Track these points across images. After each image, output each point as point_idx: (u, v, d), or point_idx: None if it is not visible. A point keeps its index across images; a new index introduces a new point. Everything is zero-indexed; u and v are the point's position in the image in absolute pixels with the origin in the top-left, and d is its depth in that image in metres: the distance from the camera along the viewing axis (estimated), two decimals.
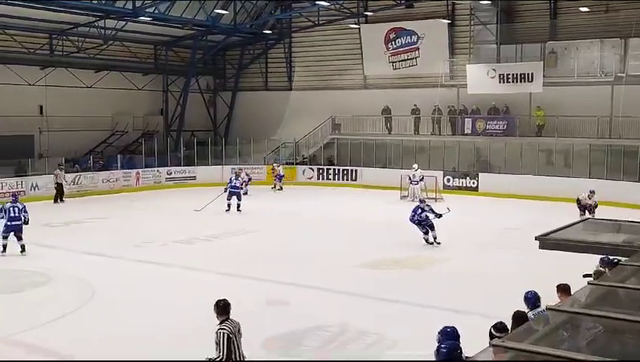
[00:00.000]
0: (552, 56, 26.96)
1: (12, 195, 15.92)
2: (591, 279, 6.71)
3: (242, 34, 33.90)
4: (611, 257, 7.56)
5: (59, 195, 25.14)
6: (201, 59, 34.95)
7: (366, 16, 31.86)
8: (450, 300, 11.60)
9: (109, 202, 25.25)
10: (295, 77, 35.31)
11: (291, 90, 35.24)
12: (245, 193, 25.01)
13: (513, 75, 27.07)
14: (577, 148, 26.02)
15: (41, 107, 29.66)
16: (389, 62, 31.82)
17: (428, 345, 6.28)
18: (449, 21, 30.03)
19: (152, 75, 34.09)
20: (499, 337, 4.94)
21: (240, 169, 26.75)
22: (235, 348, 6.97)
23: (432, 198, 25.24)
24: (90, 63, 30.83)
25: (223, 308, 7.21)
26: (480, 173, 27.87)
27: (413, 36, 31.06)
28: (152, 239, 17.60)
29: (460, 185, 28.12)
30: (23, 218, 15.38)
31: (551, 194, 24.59)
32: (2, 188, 24.58)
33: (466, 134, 28.88)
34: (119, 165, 29.20)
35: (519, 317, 6.68)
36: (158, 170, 30.13)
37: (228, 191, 22.74)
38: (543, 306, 6.89)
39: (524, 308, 7.27)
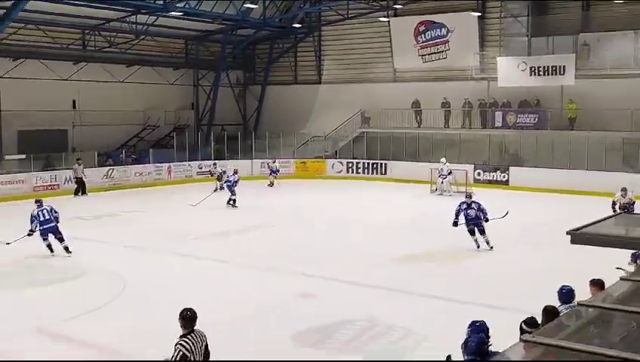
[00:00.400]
0: (585, 49, 26.59)
1: (36, 201, 15.42)
2: (623, 274, 6.64)
3: (272, 28, 33.99)
4: None
5: (80, 189, 25.43)
6: (231, 53, 35.14)
7: (395, 9, 31.73)
8: (480, 295, 11.56)
9: (142, 196, 25.56)
10: (324, 70, 35.31)
11: (320, 83, 35.26)
12: (222, 188, 24.42)
13: (544, 67, 26.77)
14: (610, 142, 25.60)
15: (74, 102, 30.11)
16: (419, 56, 31.67)
17: (457, 340, 6.28)
18: (479, 14, 29.76)
19: (182, 69, 34.38)
20: (529, 332, 4.93)
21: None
22: None
23: (462, 192, 25.11)
24: (122, 58, 31.20)
25: (188, 320, 6.58)
26: (510, 167, 27.63)
27: (442, 29, 30.86)
28: (184, 233, 17.79)
29: (491, 178, 27.91)
30: (55, 219, 14.99)
31: (583, 188, 24.29)
32: (37, 182, 25.06)
33: (497, 127, 28.63)
34: (151, 159, 29.51)
35: (550, 312, 6.64)
36: (189, 164, 30.40)
37: (225, 186, 22.84)
38: (576, 302, 6.83)
39: (554, 303, 7.22)
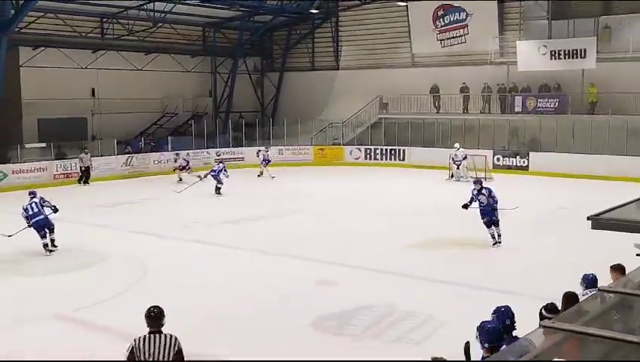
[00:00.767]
0: (606, 31, 26.26)
1: (29, 193, 14.69)
2: None
3: (289, 14, 33.89)
4: None
5: (84, 177, 25.35)
6: (249, 40, 35.12)
7: None
8: (499, 281, 11.53)
9: (161, 183, 25.70)
10: (342, 56, 35.21)
11: (338, 69, 35.17)
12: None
13: (565, 51, 26.48)
14: (632, 126, 25.25)
15: (93, 90, 30.31)
16: (438, 40, 31.45)
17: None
18: None
19: (200, 56, 34.45)
20: (549, 318, 4.90)
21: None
22: None
23: (482, 178, 24.98)
24: (140, 46, 31.32)
25: (152, 319, 5.99)
26: (530, 152, 27.41)
27: (461, 13, 30.60)
28: (201, 219, 17.90)
29: (510, 164, 27.73)
30: (45, 211, 14.26)
31: (604, 173, 24.07)
32: (57, 170, 25.29)
33: (517, 112, 28.40)
34: (170, 146, 29.66)
35: (570, 298, 6.59)
36: (207, 151, 30.50)
37: (211, 175, 22.79)
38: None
39: (574, 288, 7.17)
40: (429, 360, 5.23)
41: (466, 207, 14.60)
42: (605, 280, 7.03)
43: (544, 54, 26.91)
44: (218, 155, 26.44)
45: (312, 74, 35.96)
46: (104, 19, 29.77)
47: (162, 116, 33.02)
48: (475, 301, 9.98)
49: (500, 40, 29.31)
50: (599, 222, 6.06)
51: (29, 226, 14.10)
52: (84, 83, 29.79)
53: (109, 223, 17.54)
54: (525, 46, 27.58)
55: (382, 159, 31.13)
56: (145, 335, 5.90)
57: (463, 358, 5.51)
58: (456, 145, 26.03)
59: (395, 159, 30.77)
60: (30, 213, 14.11)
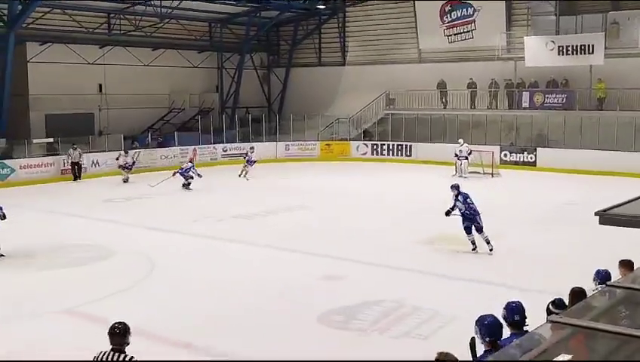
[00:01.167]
0: (614, 27, 26.10)
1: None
2: None
3: (296, 9, 33.85)
4: None
5: (76, 174, 25.02)
6: (255, 35, 35.06)
7: None
8: (507, 276, 11.51)
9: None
10: (349, 52, 35.14)
11: (345, 65, 35.11)
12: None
13: (573, 46, 26.34)
14: None
15: (100, 85, 30.37)
16: (445, 36, 31.37)
17: None
18: None
19: (207, 52, 34.47)
20: (557, 314, 4.89)
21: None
22: None
23: (489, 173, 24.95)
24: (147, 42, 31.35)
25: (114, 336, 5.78)
26: (538, 148, 27.33)
27: (469, 9, 30.52)
28: (210, 214, 17.95)
29: (518, 160, 27.66)
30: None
31: (612, 169, 23.97)
32: (64, 165, 25.34)
33: (524, 108, 28.29)
34: (176, 142, 29.70)
35: (578, 294, 6.57)
36: (214, 147, 30.55)
37: (179, 174, 22.69)
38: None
39: (582, 284, 7.15)
40: (436, 355, 5.22)
41: (448, 213, 13.74)
42: (613, 276, 7.01)
43: (552, 50, 26.79)
44: (224, 151, 26.44)
45: (319, 69, 35.92)
46: (111, 15, 29.78)
47: (169, 112, 33.06)
48: (482, 296, 9.98)
49: (508, 36, 29.19)
50: (607, 217, 6.03)
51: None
52: (92, 78, 29.85)
53: (117, 218, 17.60)
54: (533, 42, 27.46)
55: (389, 155, 31.10)
56: (107, 351, 5.73)
57: (469, 353, 5.51)
58: (460, 140, 25.95)
59: (401, 155, 30.73)
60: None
